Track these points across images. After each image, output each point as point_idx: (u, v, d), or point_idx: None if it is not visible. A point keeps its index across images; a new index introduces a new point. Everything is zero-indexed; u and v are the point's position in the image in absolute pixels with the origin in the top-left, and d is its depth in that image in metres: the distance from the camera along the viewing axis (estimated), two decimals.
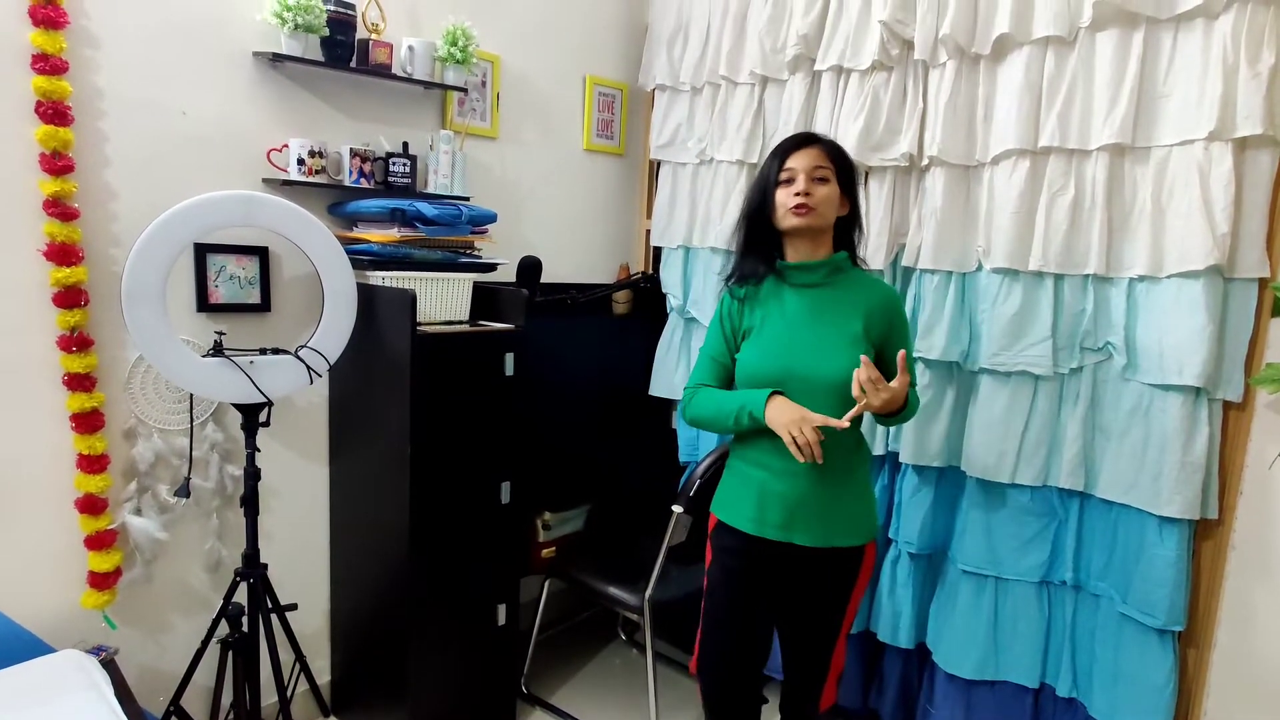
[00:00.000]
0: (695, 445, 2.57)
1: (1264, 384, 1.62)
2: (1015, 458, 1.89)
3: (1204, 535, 1.75)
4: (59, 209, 1.61)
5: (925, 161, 2.00)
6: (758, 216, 1.55)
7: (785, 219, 1.50)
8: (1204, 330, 1.63)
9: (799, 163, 1.49)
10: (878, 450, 2.12)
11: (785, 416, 1.41)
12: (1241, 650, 1.72)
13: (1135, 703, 1.77)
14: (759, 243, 1.57)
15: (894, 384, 1.37)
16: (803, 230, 1.50)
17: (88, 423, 1.70)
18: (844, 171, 1.53)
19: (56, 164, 1.60)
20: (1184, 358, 1.66)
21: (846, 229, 1.59)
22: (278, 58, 1.85)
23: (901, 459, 2.07)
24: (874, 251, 2.08)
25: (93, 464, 1.71)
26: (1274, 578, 1.67)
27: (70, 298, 1.64)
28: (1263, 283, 1.64)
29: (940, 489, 2.06)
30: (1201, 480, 1.68)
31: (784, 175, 1.50)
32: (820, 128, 2.14)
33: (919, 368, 2.01)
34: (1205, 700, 1.77)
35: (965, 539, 2.00)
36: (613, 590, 2.21)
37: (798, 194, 1.47)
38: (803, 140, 1.53)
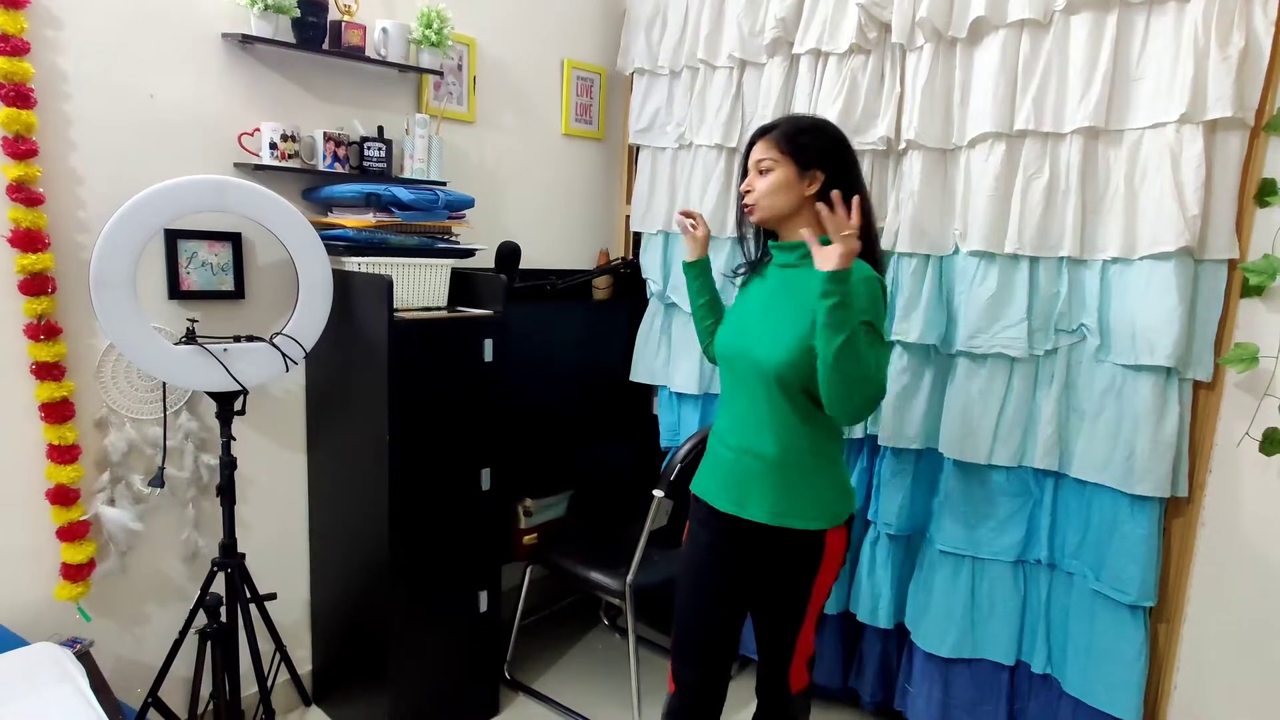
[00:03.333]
0: (676, 430, 2.57)
1: (1233, 364, 1.65)
2: (991, 439, 1.91)
3: (1174, 513, 1.78)
4: (23, 194, 1.57)
5: (902, 145, 2.00)
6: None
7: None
8: (1175, 311, 1.66)
9: (752, 159, 1.55)
10: (857, 434, 2.13)
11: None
12: (1210, 624, 1.76)
13: (1108, 677, 1.81)
14: (748, 230, 1.65)
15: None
16: (765, 222, 1.56)
17: (57, 412, 1.67)
18: (798, 151, 1.49)
19: (20, 148, 1.56)
20: (1155, 338, 1.68)
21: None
22: (247, 39, 1.82)
23: (880, 442, 2.09)
24: None
25: (63, 454, 1.69)
26: (1242, 553, 1.71)
27: (36, 285, 1.61)
28: (1232, 264, 1.66)
29: (918, 471, 2.08)
30: (1172, 459, 1.71)
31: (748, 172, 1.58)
32: (798, 111, 2.14)
33: (896, 351, 2.02)
34: (1175, 674, 1.81)
35: (943, 520, 2.02)
36: (595, 575, 2.22)
37: (741, 191, 1.56)
38: (759, 133, 1.56)
